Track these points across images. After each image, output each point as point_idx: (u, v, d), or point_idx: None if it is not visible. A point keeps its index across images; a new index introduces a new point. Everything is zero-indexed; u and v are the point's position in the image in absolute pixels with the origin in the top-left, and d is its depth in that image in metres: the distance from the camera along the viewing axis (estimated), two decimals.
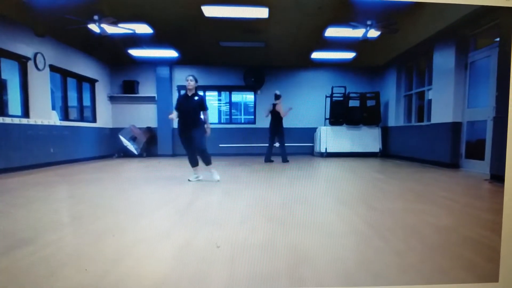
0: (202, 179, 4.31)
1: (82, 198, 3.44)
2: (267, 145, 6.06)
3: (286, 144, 6.11)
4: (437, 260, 1.79)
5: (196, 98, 4.29)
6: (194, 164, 4.35)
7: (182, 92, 4.41)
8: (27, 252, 1.91)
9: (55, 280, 1.58)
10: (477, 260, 1.79)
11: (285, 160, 6.10)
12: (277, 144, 6.03)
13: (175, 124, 4.45)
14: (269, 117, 6.08)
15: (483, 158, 5.05)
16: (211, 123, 4.39)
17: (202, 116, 4.34)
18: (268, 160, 6.13)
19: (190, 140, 4.30)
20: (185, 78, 4.30)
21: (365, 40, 5.61)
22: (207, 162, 4.33)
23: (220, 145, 6.28)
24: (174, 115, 4.28)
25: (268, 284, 1.55)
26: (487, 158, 4.87)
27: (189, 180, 4.28)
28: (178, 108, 4.29)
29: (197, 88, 4.34)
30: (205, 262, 1.78)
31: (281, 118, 6.08)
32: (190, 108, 4.26)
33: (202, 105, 4.31)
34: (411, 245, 2.04)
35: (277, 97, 6.10)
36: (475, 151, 5.34)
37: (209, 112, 4.40)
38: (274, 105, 6.06)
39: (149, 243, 2.08)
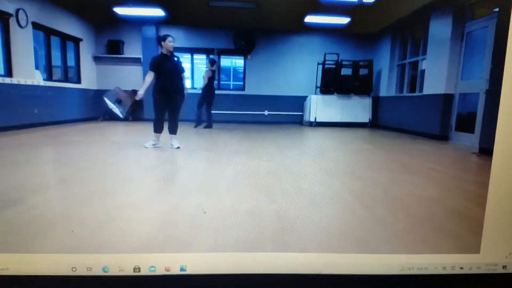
0: (160, 146, 4.20)
1: (68, 161, 3.44)
2: (254, 112, 6.03)
3: (275, 113, 6.12)
4: (420, 231, 1.83)
5: (175, 59, 4.07)
6: (160, 130, 4.17)
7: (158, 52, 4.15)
8: (13, 213, 1.92)
9: (43, 240, 1.61)
10: (459, 231, 1.83)
11: (209, 126, 6.20)
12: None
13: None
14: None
15: (473, 131, 5.04)
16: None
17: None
18: (199, 124, 6.22)
19: (168, 104, 4.12)
20: (166, 38, 4.01)
21: (360, 5, 5.41)
22: (174, 131, 4.18)
23: None
24: (142, 91, 4.09)
25: (253, 248, 1.59)
26: (477, 131, 4.86)
27: (145, 147, 4.13)
28: (155, 70, 4.05)
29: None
30: (191, 226, 1.81)
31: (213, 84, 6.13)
32: (173, 70, 4.05)
33: (182, 67, 4.14)
34: (395, 215, 2.07)
35: (214, 62, 6.15)
36: (466, 123, 5.33)
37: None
38: (213, 71, 6.02)
39: (136, 206, 2.12)
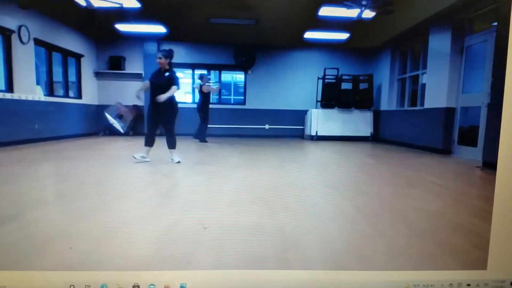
0: (149, 161, 4.16)
1: (67, 176, 3.41)
2: (255, 126, 6.03)
3: (276, 127, 6.10)
4: (424, 246, 1.79)
5: (166, 74, 4.15)
6: (148, 143, 4.16)
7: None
8: (11, 229, 1.88)
9: (41, 257, 1.56)
10: (465, 247, 1.78)
11: (203, 140, 6.18)
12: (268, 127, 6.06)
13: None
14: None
15: (475, 144, 4.99)
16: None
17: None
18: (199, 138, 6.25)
19: (158, 118, 4.18)
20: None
21: (359, 21, 5.47)
22: (173, 146, 4.19)
23: (209, 126, 6.24)
24: (142, 91, 4.22)
25: (255, 266, 1.54)
26: (480, 145, 4.81)
27: (134, 157, 4.10)
28: (150, 81, 4.21)
29: (172, 64, 4.21)
30: (192, 243, 1.77)
31: (208, 99, 6.15)
32: (159, 83, 4.14)
33: (171, 81, 4.17)
34: (399, 230, 2.03)
35: (203, 78, 6.17)
36: (468, 137, 5.30)
37: (176, 88, 4.25)
38: (201, 86, 6.04)
39: (136, 222, 2.08)
